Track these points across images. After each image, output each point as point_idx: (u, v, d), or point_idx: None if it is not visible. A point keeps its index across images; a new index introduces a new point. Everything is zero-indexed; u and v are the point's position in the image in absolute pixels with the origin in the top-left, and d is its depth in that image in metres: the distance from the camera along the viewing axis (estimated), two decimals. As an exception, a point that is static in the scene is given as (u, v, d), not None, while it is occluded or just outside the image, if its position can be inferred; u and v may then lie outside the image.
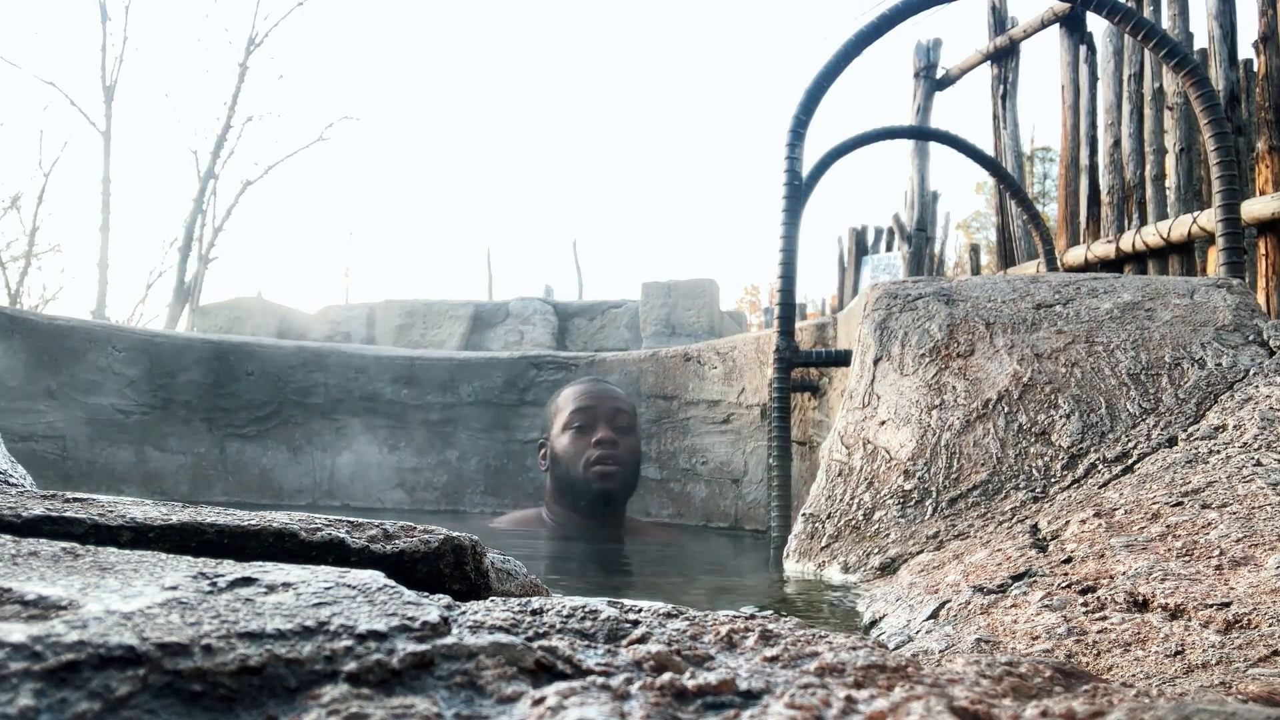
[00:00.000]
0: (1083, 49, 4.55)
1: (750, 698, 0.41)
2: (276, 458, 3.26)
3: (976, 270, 9.52)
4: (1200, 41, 3.95)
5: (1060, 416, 1.38)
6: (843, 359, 2.13)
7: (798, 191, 2.12)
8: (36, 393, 2.98)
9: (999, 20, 5.29)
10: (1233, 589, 0.78)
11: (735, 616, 0.55)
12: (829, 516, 1.42)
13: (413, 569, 0.69)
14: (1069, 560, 0.96)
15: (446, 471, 3.29)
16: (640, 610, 0.56)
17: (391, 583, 0.53)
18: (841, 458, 1.51)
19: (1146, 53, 4.02)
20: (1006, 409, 1.42)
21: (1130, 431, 1.32)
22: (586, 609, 0.54)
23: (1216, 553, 0.87)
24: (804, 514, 1.47)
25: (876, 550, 1.27)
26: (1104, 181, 4.29)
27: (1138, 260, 4.05)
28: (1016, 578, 0.95)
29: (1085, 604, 0.82)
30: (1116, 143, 4.24)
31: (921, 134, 5.07)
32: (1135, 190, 4.12)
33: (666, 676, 0.42)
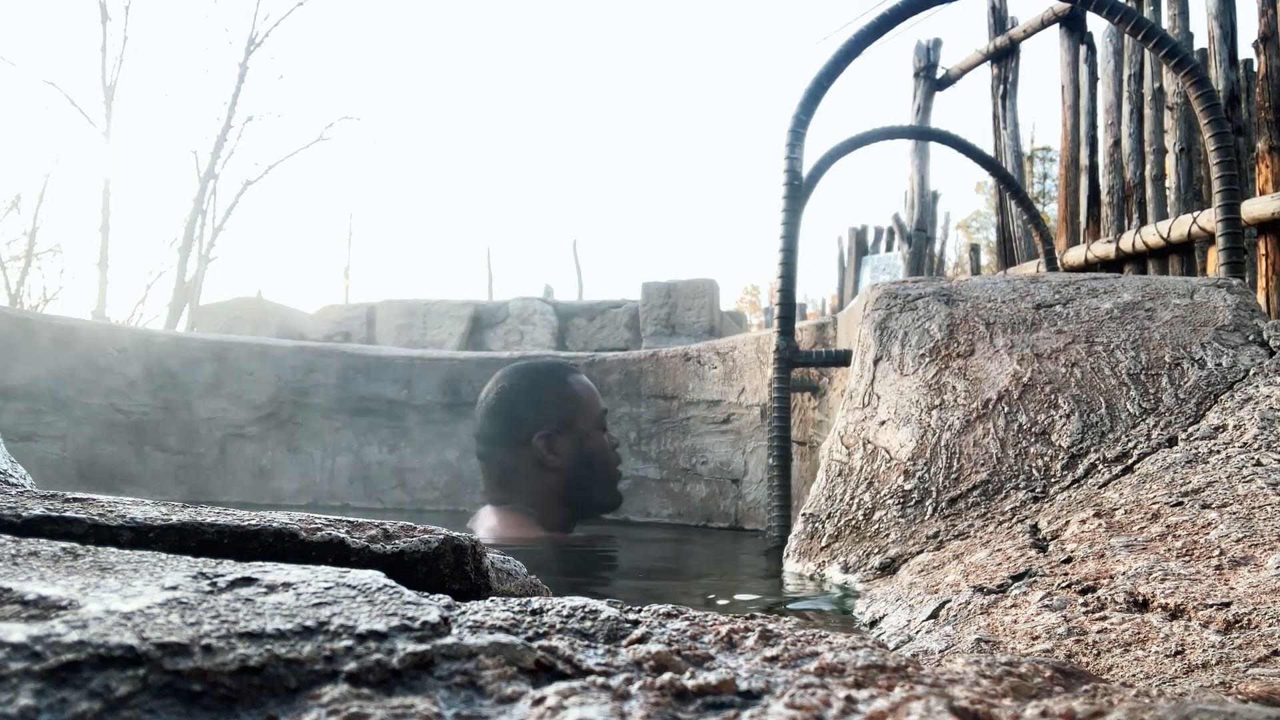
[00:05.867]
0: (1083, 49, 4.55)
1: (750, 698, 0.41)
2: (276, 458, 3.26)
3: (976, 270, 9.52)
4: (1200, 41, 3.95)
5: (1060, 416, 1.38)
6: (843, 359, 2.13)
7: (798, 191, 2.12)
8: (36, 393, 2.98)
9: (999, 20, 5.29)
10: (1233, 589, 0.78)
11: (735, 616, 0.55)
12: (829, 516, 1.42)
13: (413, 569, 0.69)
14: (1069, 560, 0.96)
15: (446, 471, 3.29)
16: (640, 610, 0.56)
17: (391, 583, 0.53)
18: (841, 458, 1.51)
19: (1146, 53, 4.02)
20: (1006, 409, 1.42)
21: (1130, 431, 1.32)
22: (586, 609, 0.54)
23: (1216, 553, 0.87)
24: (804, 514, 1.47)
25: (876, 550, 1.27)
26: (1104, 181, 4.29)
27: (1138, 260, 4.05)
28: (1016, 578, 0.95)
29: (1085, 604, 0.82)
30: (1116, 143, 4.24)
31: (921, 134, 5.07)
32: (1135, 190, 4.12)
33: (666, 676, 0.42)
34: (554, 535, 2.34)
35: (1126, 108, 4.17)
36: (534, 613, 0.52)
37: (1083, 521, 1.07)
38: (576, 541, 2.33)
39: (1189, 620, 0.74)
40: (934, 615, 0.93)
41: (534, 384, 2.42)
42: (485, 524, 2.32)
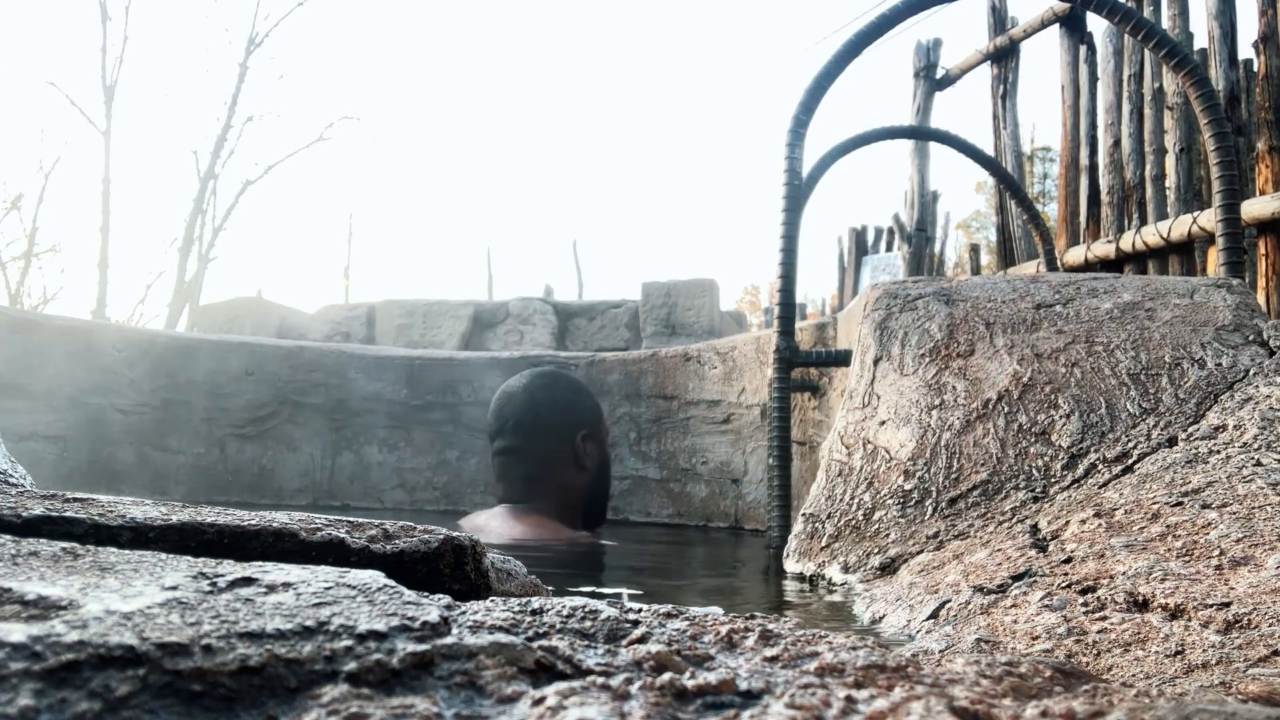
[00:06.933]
0: (1083, 49, 4.56)
1: (750, 698, 0.41)
2: (276, 458, 3.26)
3: (976, 270, 9.52)
4: (1200, 41, 3.95)
5: (1060, 416, 1.38)
6: (843, 359, 2.13)
7: (798, 191, 2.12)
8: (36, 393, 2.98)
9: (999, 20, 5.29)
10: (1233, 589, 0.78)
11: (735, 616, 0.55)
12: (829, 516, 1.42)
13: (413, 569, 0.69)
14: (1069, 560, 0.96)
15: (446, 471, 3.29)
16: (640, 610, 0.56)
17: (391, 583, 0.53)
18: (841, 458, 1.51)
19: (1146, 53, 4.02)
20: (1006, 409, 1.42)
21: (1130, 431, 1.32)
22: (586, 609, 0.54)
23: (1216, 553, 0.87)
24: (804, 514, 1.47)
25: (876, 550, 1.27)
26: (1104, 181, 4.29)
27: (1138, 260, 4.05)
28: (1016, 578, 0.95)
29: (1085, 604, 0.82)
30: (1116, 143, 4.24)
31: (921, 134, 5.07)
32: (1135, 190, 4.12)
33: (666, 676, 0.42)
34: (581, 536, 2.34)
35: (1126, 108, 4.17)
36: (534, 613, 0.52)
37: (1083, 521, 1.07)
38: (600, 542, 2.34)
39: (1189, 620, 0.74)
40: (934, 615, 0.93)
41: (571, 387, 2.49)
42: (506, 525, 2.27)
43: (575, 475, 2.40)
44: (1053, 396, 1.42)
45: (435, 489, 3.28)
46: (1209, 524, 0.95)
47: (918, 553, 1.21)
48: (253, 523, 0.69)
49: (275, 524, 0.69)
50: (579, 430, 2.40)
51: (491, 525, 2.29)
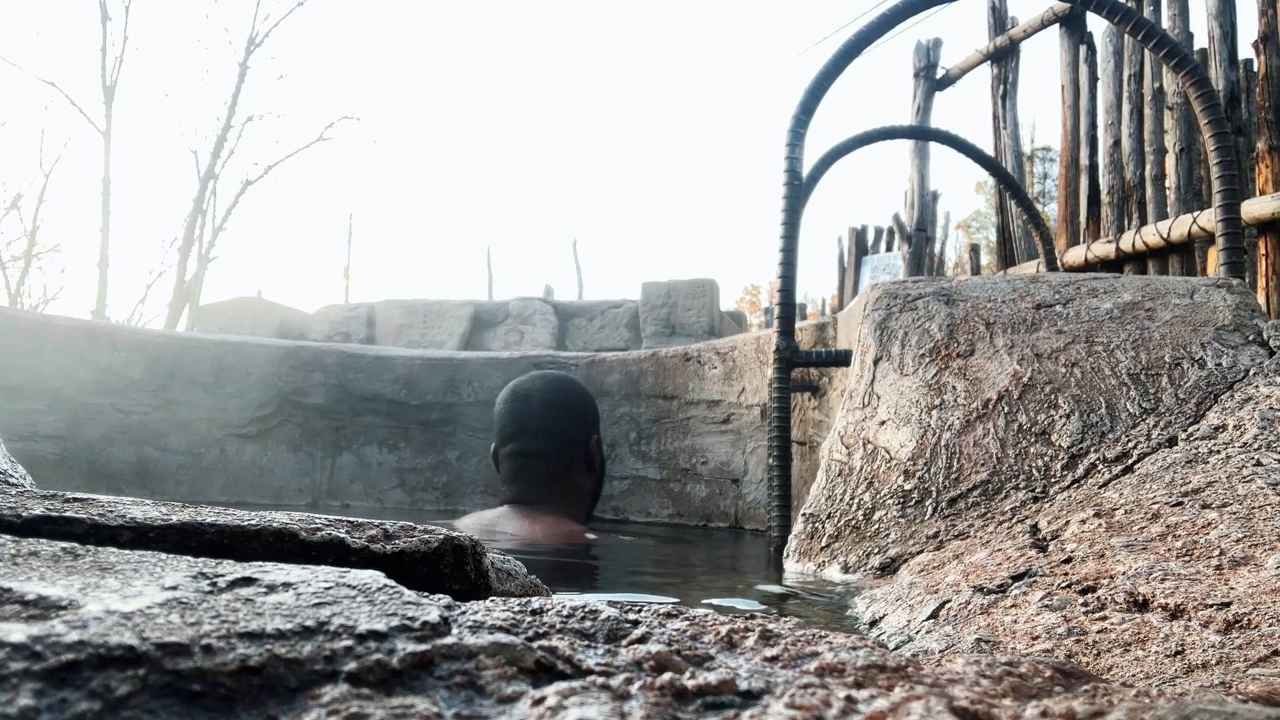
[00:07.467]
0: (1083, 49, 4.55)
1: (750, 698, 0.41)
2: (276, 458, 3.26)
3: (976, 270, 9.52)
4: (1200, 41, 3.95)
5: (1060, 416, 1.38)
6: (843, 359, 2.13)
7: (798, 191, 2.12)
8: (36, 392, 2.98)
9: (999, 20, 5.29)
10: (1233, 589, 0.78)
11: (735, 616, 0.55)
12: (829, 516, 1.42)
13: (413, 569, 0.69)
14: (1069, 560, 0.96)
15: (446, 471, 3.29)
16: (640, 610, 0.56)
17: (391, 583, 0.53)
18: (841, 458, 1.51)
19: (1146, 53, 4.02)
20: (1006, 409, 1.42)
21: (1130, 431, 1.32)
22: (586, 609, 0.54)
23: (1216, 553, 0.87)
24: (804, 514, 1.47)
25: (876, 550, 1.27)
26: (1104, 181, 4.29)
27: (1138, 260, 4.05)
28: (1016, 578, 0.95)
29: (1085, 604, 0.82)
30: (1116, 143, 4.24)
31: (921, 134, 5.07)
32: (1135, 190, 4.12)
33: (666, 676, 0.42)
34: (591, 534, 2.34)
35: (1126, 108, 4.17)
36: (534, 613, 0.52)
37: (1083, 521, 1.07)
38: (613, 542, 2.35)
39: (1189, 620, 0.74)
40: (934, 615, 0.93)
41: (581, 392, 2.56)
42: (523, 524, 2.27)
43: (585, 477, 2.48)
44: (1053, 396, 1.42)
45: (435, 489, 3.28)
46: (1209, 524, 0.95)
47: (918, 553, 1.21)
48: (253, 523, 0.69)
49: (275, 524, 0.69)
50: (592, 434, 2.49)
51: (505, 525, 2.29)
